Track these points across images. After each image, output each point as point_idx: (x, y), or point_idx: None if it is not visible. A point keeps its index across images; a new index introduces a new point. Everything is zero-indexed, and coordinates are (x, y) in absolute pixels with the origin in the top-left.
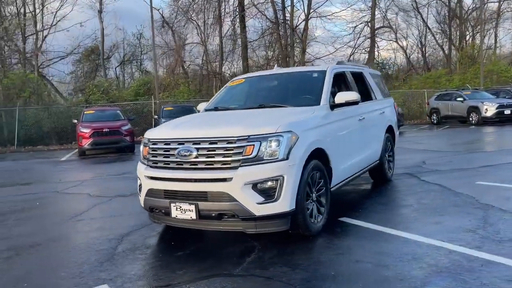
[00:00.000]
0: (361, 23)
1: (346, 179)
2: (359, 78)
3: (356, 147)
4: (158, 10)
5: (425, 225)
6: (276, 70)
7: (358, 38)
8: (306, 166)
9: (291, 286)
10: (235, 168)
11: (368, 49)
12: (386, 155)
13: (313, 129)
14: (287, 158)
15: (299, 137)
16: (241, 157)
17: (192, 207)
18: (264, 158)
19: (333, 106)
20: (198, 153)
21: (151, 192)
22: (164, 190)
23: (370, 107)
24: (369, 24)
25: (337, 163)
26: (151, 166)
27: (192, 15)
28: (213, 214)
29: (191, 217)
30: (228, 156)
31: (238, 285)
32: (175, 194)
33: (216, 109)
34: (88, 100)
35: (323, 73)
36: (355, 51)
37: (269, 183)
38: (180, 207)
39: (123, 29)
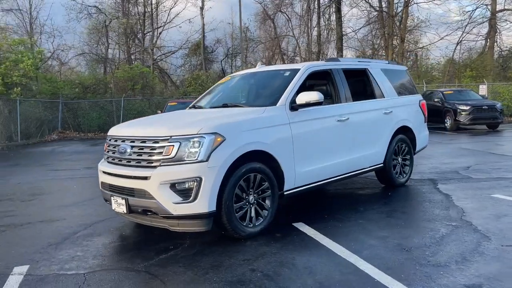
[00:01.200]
0: (478, 7)
1: (318, 182)
2: (361, 75)
3: (332, 149)
4: (260, 3)
5: (367, 239)
6: (258, 68)
7: (467, 24)
8: (236, 169)
9: (164, 286)
10: (155, 167)
11: (486, 35)
12: (399, 159)
13: (252, 131)
14: (207, 160)
15: (225, 139)
16: (161, 157)
17: (123, 201)
18: (185, 159)
19: (297, 106)
20: (132, 150)
21: (102, 185)
22: (109, 184)
23: (363, 107)
24: (489, 7)
25: (293, 166)
26: (106, 161)
27: (282, 7)
28: (139, 210)
29: (123, 211)
30: (152, 155)
31: (123, 278)
32: (114, 188)
33: (194, 107)
34: (185, 92)
35: (294, 72)
36: (463, 38)
37: (187, 184)
38: (117, 200)
39: (232, 23)
